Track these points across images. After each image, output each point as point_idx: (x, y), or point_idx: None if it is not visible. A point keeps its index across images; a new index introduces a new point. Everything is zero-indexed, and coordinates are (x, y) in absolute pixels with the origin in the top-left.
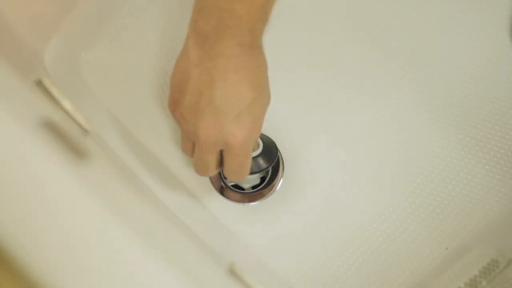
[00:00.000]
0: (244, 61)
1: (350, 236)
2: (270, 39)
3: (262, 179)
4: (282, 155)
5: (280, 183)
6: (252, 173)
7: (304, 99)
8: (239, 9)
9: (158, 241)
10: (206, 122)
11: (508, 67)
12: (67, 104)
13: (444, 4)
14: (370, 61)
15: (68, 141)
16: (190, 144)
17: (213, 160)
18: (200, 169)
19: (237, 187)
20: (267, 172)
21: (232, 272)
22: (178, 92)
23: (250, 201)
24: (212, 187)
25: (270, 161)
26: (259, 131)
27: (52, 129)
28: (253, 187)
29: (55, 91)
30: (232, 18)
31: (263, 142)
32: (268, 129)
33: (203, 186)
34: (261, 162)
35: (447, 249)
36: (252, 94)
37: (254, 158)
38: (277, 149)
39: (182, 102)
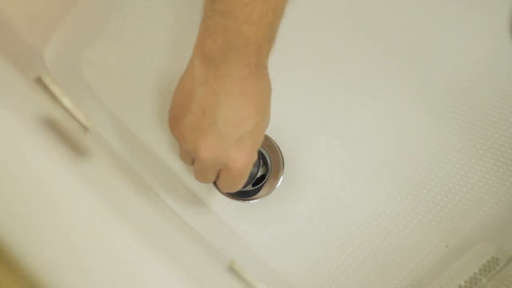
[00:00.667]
0: (250, 84)
1: (350, 234)
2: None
3: (263, 176)
4: (283, 154)
5: (280, 182)
6: (248, 183)
7: (304, 99)
8: (247, 29)
9: (158, 239)
10: (207, 144)
11: (508, 65)
12: (67, 102)
13: (444, 4)
14: (370, 61)
15: (68, 138)
16: (188, 158)
17: (212, 176)
18: (199, 179)
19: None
20: (267, 170)
21: (232, 270)
22: (180, 110)
23: (250, 199)
24: (212, 185)
25: (257, 165)
26: (256, 155)
27: (52, 127)
28: (253, 185)
29: (55, 89)
30: (239, 38)
31: None
32: (268, 129)
33: (203, 184)
34: (252, 170)
35: (447, 246)
36: (255, 119)
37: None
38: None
39: (183, 121)
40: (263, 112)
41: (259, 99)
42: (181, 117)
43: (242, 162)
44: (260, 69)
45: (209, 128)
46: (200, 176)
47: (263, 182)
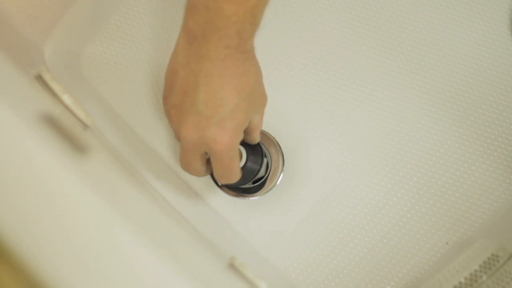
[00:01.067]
0: (230, 66)
1: (350, 231)
2: (269, 39)
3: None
4: (283, 150)
5: (280, 179)
6: (249, 180)
7: (304, 96)
8: (228, 9)
9: (158, 235)
10: (188, 124)
11: (508, 62)
12: (67, 99)
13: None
14: (370, 58)
15: (68, 135)
16: (175, 135)
17: (195, 160)
18: (184, 165)
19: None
20: (267, 167)
21: (232, 266)
22: (168, 90)
23: (250, 196)
24: (212, 182)
25: (259, 162)
26: (258, 128)
27: (52, 124)
28: (253, 182)
29: (55, 85)
30: (220, 18)
31: (246, 147)
32: (268, 126)
33: (203, 180)
34: (252, 166)
35: (447, 243)
36: (235, 100)
37: (243, 167)
38: (260, 146)
39: (169, 99)
40: (245, 94)
41: (240, 80)
42: (168, 96)
43: (223, 142)
44: (242, 52)
45: (190, 109)
46: (184, 160)
47: (263, 179)
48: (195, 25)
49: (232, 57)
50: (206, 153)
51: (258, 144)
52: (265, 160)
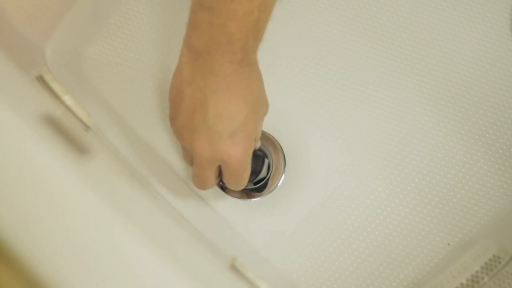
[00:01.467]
0: (236, 80)
1: (352, 232)
2: (270, 39)
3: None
4: (284, 152)
5: (281, 180)
6: (250, 181)
7: (305, 97)
8: (231, 26)
9: (160, 236)
10: (200, 141)
11: (509, 62)
12: (68, 100)
13: (445, 0)
14: (371, 59)
15: (70, 136)
16: (189, 157)
17: (210, 176)
18: (198, 184)
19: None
20: (269, 168)
21: (234, 267)
22: (175, 109)
23: (251, 197)
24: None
25: (260, 164)
26: (257, 139)
27: (54, 125)
28: (255, 183)
29: (56, 86)
30: (224, 35)
31: None
32: (269, 127)
33: None
34: (253, 167)
35: (449, 245)
36: (245, 112)
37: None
38: (260, 149)
39: (178, 119)
40: (252, 105)
41: (247, 93)
42: (176, 115)
43: (238, 155)
44: (246, 65)
45: (201, 126)
46: (199, 178)
47: (265, 180)
48: (198, 42)
49: (237, 71)
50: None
51: (260, 150)
52: (266, 161)
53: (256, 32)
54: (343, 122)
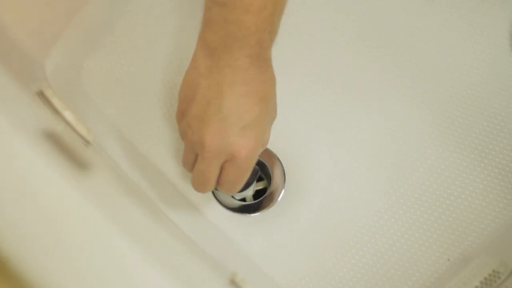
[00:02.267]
0: (252, 74)
1: (351, 247)
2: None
3: (264, 189)
4: (284, 166)
5: (281, 195)
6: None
7: (304, 109)
8: (247, 20)
9: (159, 251)
10: (212, 131)
11: (508, 75)
12: (68, 115)
13: (444, 15)
14: (370, 70)
15: (70, 152)
16: (192, 156)
17: (214, 173)
18: (199, 183)
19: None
20: (269, 183)
21: (234, 282)
22: (186, 103)
23: (251, 212)
24: (213, 197)
25: (253, 176)
26: (264, 146)
27: (54, 140)
28: (255, 198)
29: (56, 102)
30: (240, 29)
31: None
32: (269, 141)
33: (204, 196)
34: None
35: (448, 260)
36: (258, 107)
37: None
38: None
39: (189, 111)
40: (265, 102)
41: (262, 88)
42: (187, 108)
43: (247, 150)
44: (263, 61)
45: (214, 117)
46: (202, 176)
47: (265, 195)
48: (214, 37)
49: (254, 65)
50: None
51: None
52: (258, 173)
53: (271, 25)
54: (342, 137)
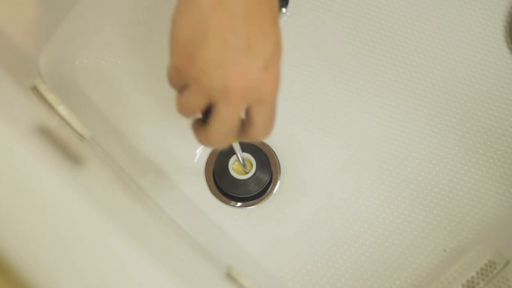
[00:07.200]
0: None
1: (348, 239)
2: None
3: (261, 184)
4: (279, 159)
5: (277, 187)
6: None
7: (301, 103)
8: None
9: (155, 246)
10: (236, 71)
11: (503, 68)
12: (62, 110)
13: (440, 9)
14: (367, 65)
15: (64, 146)
16: (200, 103)
17: (239, 119)
18: (224, 133)
19: (233, 192)
20: (271, 178)
21: (230, 276)
22: (192, 47)
23: (247, 204)
24: (209, 191)
25: (268, 172)
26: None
27: (48, 135)
28: (249, 192)
29: (50, 97)
30: None
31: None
32: None
33: (200, 189)
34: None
35: (444, 251)
36: (275, 32)
37: (252, 177)
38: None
39: (201, 56)
40: (278, 23)
41: (272, 7)
42: (197, 53)
43: (275, 84)
44: None
45: (236, 54)
46: (226, 125)
47: (262, 187)
48: None
49: None
50: None
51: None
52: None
53: None
54: (338, 129)
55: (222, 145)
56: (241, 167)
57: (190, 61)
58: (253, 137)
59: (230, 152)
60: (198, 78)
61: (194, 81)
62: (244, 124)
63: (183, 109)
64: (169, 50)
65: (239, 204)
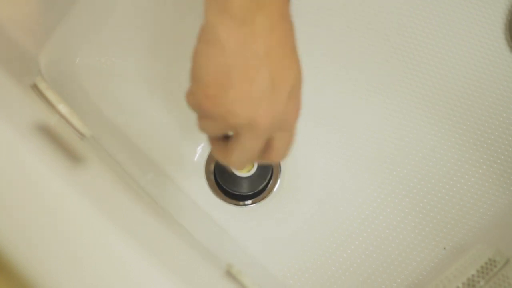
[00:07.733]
0: (283, 29)
1: (348, 237)
2: None
3: (261, 181)
4: None
5: (277, 186)
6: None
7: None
8: None
9: (155, 245)
10: (264, 108)
11: (503, 66)
12: (62, 108)
13: (440, 7)
14: (368, 62)
15: (64, 145)
16: (221, 131)
17: (261, 147)
18: (244, 161)
19: (232, 189)
20: (271, 176)
21: (230, 274)
22: (217, 89)
23: (247, 203)
24: (209, 189)
25: (269, 171)
26: None
27: (48, 133)
28: (250, 190)
29: (50, 95)
30: None
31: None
32: None
33: (200, 187)
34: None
35: (445, 249)
36: (296, 62)
37: (252, 175)
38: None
39: (227, 96)
40: (297, 51)
41: (291, 39)
42: (222, 93)
43: (297, 113)
44: (287, 10)
45: (262, 92)
46: (248, 152)
47: (263, 185)
48: (243, 2)
49: (284, 17)
50: None
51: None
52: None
53: None
54: (338, 127)
55: (241, 168)
56: None
57: (216, 102)
58: (273, 160)
59: None
60: (225, 117)
61: (220, 118)
62: (264, 148)
63: (204, 131)
64: (191, 89)
65: (239, 202)
